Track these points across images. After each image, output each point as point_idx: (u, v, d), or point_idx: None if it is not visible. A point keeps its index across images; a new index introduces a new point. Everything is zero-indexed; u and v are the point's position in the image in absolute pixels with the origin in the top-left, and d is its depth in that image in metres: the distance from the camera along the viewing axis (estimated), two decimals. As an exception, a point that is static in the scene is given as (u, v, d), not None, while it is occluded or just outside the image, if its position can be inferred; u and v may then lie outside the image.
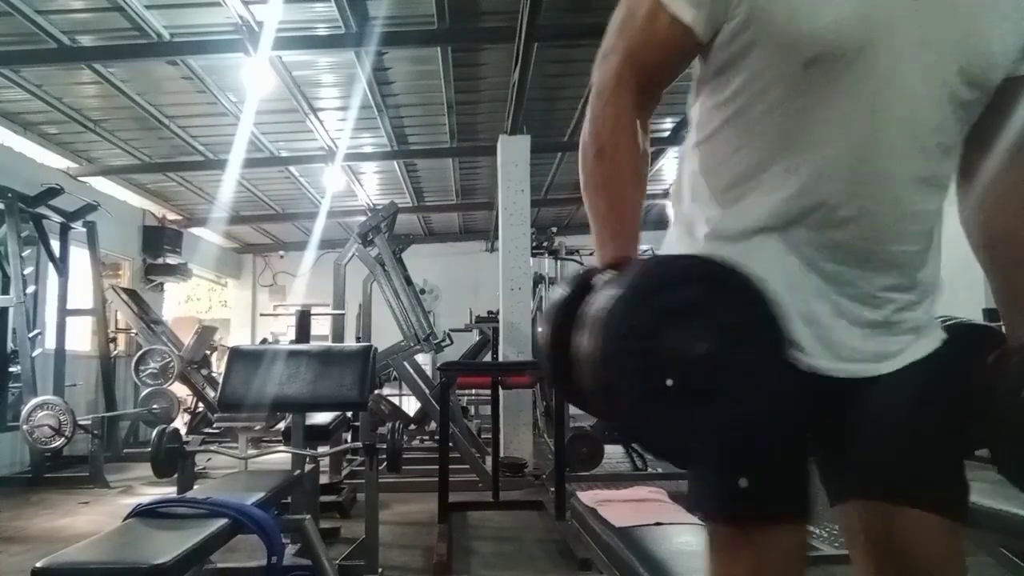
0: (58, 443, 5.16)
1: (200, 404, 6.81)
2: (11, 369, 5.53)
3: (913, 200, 0.87)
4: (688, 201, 0.99)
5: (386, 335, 6.16)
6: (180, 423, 6.49)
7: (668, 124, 7.07)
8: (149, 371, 6.39)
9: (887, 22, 0.80)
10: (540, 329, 0.83)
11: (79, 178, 7.31)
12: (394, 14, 4.66)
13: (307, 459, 3.10)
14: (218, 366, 7.52)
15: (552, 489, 4.22)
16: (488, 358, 7.08)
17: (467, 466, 5.09)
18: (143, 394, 6.44)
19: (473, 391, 8.13)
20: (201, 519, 1.91)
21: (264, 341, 8.49)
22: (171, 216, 9.37)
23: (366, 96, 5.87)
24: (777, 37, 0.83)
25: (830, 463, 0.91)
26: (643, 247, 0.97)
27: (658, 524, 1.91)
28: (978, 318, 5.94)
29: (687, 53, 0.91)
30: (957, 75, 0.82)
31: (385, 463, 2.99)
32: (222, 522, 1.91)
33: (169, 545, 1.65)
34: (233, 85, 5.63)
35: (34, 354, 5.56)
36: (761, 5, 0.83)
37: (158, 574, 1.50)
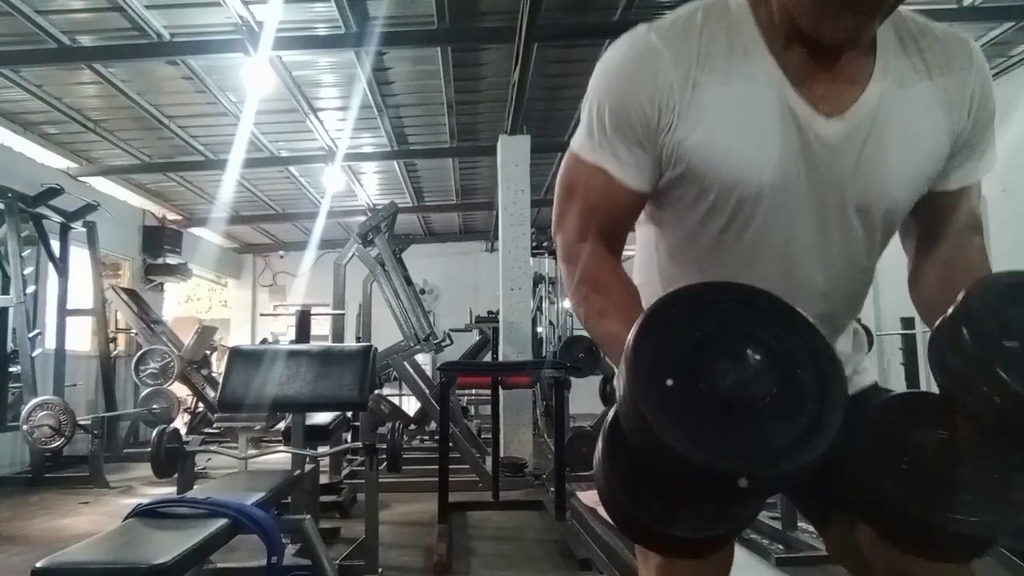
0: (58, 443, 5.16)
1: (200, 404, 6.81)
2: (11, 369, 5.53)
3: (840, 288, 0.99)
4: None
5: (386, 335, 6.16)
6: (180, 423, 6.49)
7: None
8: (149, 371, 6.39)
9: (798, 173, 0.91)
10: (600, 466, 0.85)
11: (79, 178, 7.31)
12: (394, 14, 4.66)
13: (307, 459, 3.10)
14: (218, 366, 7.52)
15: (552, 489, 4.21)
16: (488, 358, 7.08)
17: (467, 466, 5.08)
18: (143, 394, 6.44)
19: (473, 391, 8.14)
20: (201, 519, 1.91)
21: (264, 341, 8.49)
22: (171, 216, 9.37)
23: (366, 96, 5.88)
24: (708, 194, 0.93)
25: (806, 495, 0.97)
26: None
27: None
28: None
29: (639, 206, 1.00)
30: (858, 211, 0.94)
31: (385, 463, 2.99)
32: (222, 522, 1.91)
33: (169, 545, 1.64)
34: (233, 85, 5.63)
35: (34, 354, 5.56)
36: (695, 166, 0.91)
37: (158, 574, 1.50)
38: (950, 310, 0.71)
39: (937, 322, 0.74)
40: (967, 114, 0.95)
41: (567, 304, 8.35)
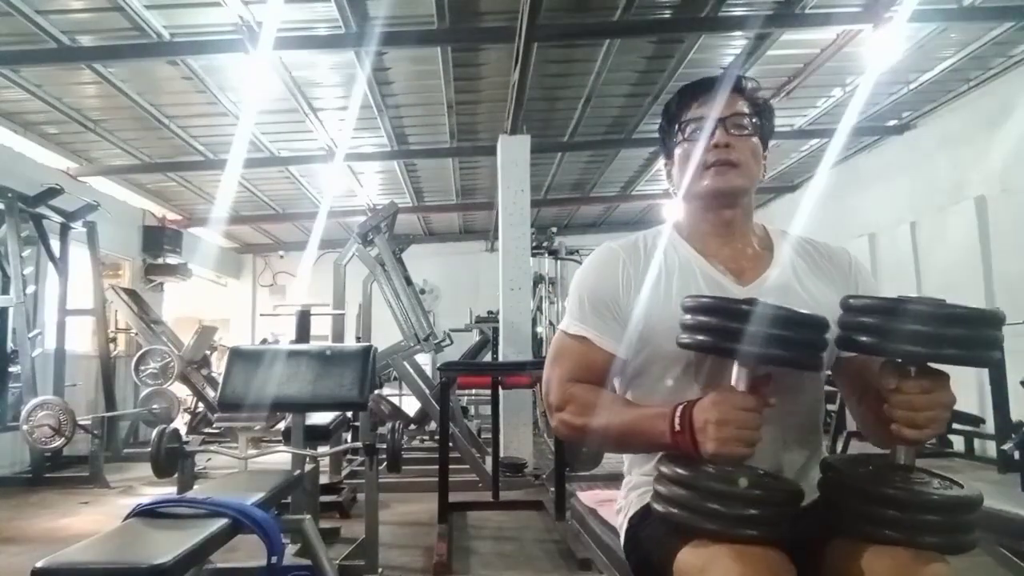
0: (58, 443, 5.16)
1: (200, 404, 6.80)
2: (11, 369, 5.53)
3: (789, 415, 1.21)
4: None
5: (386, 335, 6.16)
6: (180, 423, 6.49)
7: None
8: (149, 371, 6.39)
9: None
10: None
11: (79, 178, 7.31)
12: (394, 14, 4.66)
13: (307, 459, 3.10)
14: (218, 366, 7.52)
15: (552, 489, 4.22)
16: (488, 358, 7.08)
17: (467, 466, 5.09)
18: (143, 394, 6.44)
19: (473, 391, 8.13)
20: (201, 519, 1.91)
21: (264, 341, 8.48)
22: (171, 216, 9.37)
23: (366, 96, 5.87)
24: (662, 348, 1.22)
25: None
26: None
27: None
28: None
29: (617, 367, 1.28)
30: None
31: (385, 463, 2.99)
32: (222, 522, 1.91)
33: (169, 545, 1.64)
34: (233, 85, 5.63)
35: (34, 354, 5.56)
36: (650, 335, 1.23)
37: (158, 574, 1.50)
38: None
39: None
40: (854, 288, 1.28)
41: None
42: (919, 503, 1.02)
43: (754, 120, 1.29)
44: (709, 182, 1.27)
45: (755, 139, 1.29)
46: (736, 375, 1.06)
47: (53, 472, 5.66)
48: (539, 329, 8.11)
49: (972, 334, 1.01)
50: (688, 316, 1.11)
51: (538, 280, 8.16)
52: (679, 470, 1.07)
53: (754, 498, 1.03)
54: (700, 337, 1.08)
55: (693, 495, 1.05)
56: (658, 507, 1.09)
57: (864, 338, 1.06)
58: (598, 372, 1.28)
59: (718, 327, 1.06)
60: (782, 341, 1.02)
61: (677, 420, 1.08)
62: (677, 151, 1.33)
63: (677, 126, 1.33)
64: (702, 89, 1.31)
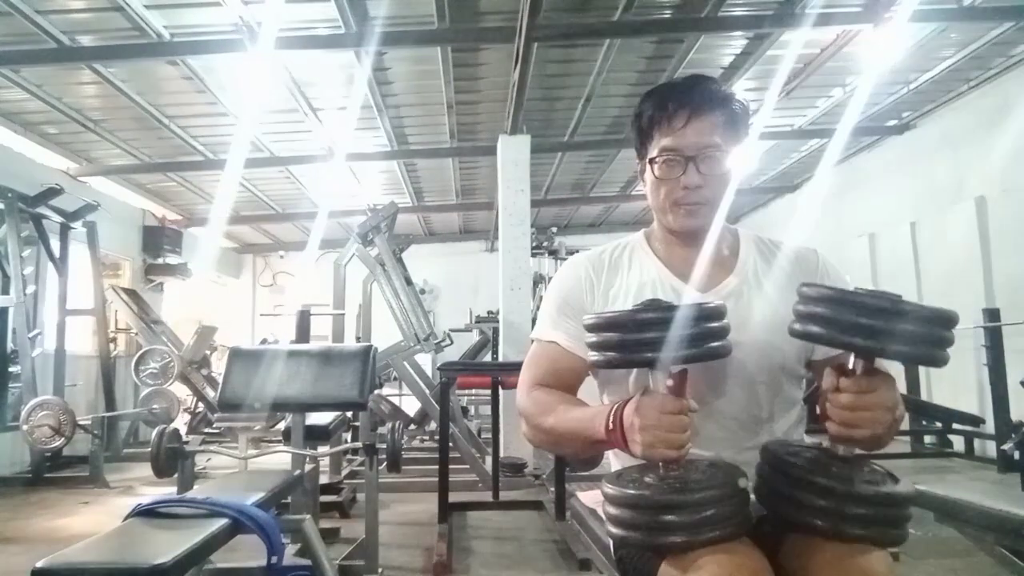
0: (58, 443, 5.16)
1: (200, 404, 6.80)
2: (11, 369, 5.53)
3: (747, 409, 1.26)
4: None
5: (386, 335, 6.16)
6: (180, 423, 6.49)
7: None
8: (149, 371, 6.39)
9: None
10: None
11: (79, 178, 7.31)
12: (394, 14, 4.66)
13: (307, 459, 3.10)
14: (218, 366, 7.52)
15: (552, 489, 4.22)
16: (488, 358, 7.08)
17: (467, 466, 5.09)
18: (143, 394, 6.44)
19: (473, 391, 8.13)
20: (201, 519, 1.91)
21: (264, 341, 8.48)
22: (171, 216, 9.37)
23: (366, 96, 5.87)
24: None
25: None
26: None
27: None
28: (978, 317, 5.81)
29: (580, 371, 1.32)
30: (758, 373, 1.25)
31: (385, 463, 2.99)
32: (222, 522, 1.91)
33: (169, 545, 1.65)
34: (233, 85, 5.62)
35: (34, 354, 5.57)
36: None
37: (158, 574, 1.50)
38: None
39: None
40: None
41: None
42: (846, 494, 1.03)
43: (726, 150, 1.26)
44: (680, 222, 1.30)
45: (727, 168, 1.27)
46: (653, 378, 1.07)
47: (53, 472, 5.65)
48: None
49: (922, 332, 0.99)
50: (592, 335, 1.12)
51: (538, 280, 8.15)
52: (625, 490, 1.07)
53: (708, 499, 1.03)
54: (609, 354, 1.09)
55: (643, 513, 1.04)
56: (614, 530, 1.08)
57: (813, 327, 1.05)
58: (566, 377, 1.32)
59: (619, 342, 1.07)
60: (682, 340, 1.03)
61: (610, 419, 1.10)
62: (646, 175, 1.33)
63: (647, 155, 1.32)
64: (673, 105, 1.27)
